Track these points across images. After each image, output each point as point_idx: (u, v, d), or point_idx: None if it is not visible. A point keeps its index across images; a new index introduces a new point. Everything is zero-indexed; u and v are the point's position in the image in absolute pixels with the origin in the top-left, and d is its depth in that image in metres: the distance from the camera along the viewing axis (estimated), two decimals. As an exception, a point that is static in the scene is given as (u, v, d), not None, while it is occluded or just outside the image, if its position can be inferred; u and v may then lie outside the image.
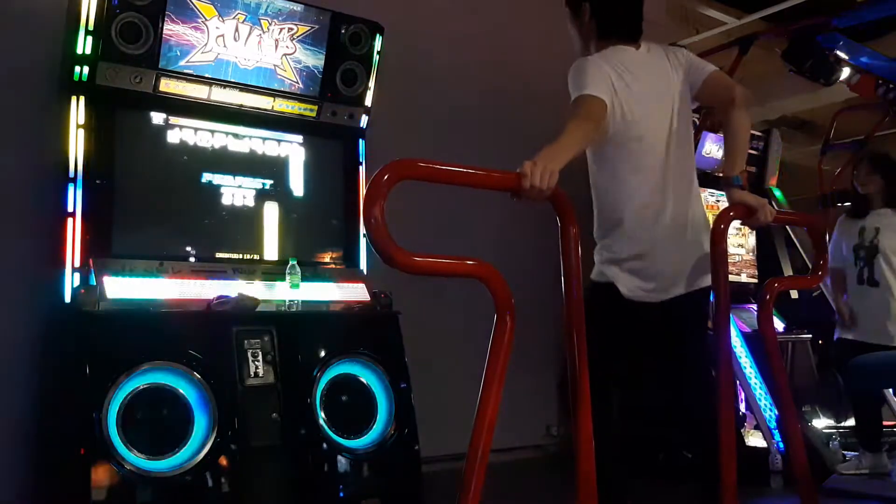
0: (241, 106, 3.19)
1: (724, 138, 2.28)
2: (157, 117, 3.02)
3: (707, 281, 2.15)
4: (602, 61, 2.14)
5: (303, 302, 3.06)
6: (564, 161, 1.81)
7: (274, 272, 3.09)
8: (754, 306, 4.42)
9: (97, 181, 2.81)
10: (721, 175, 2.24)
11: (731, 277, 4.57)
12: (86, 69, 2.81)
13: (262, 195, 3.25)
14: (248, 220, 3.20)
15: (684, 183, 2.20)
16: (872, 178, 3.89)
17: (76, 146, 2.79)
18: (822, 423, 4.12)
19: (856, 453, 3.65)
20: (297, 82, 3.29)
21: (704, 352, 2.22)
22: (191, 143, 3.09)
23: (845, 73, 4.61)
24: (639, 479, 2.37)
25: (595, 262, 2.20)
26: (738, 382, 3.75)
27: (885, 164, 3.91)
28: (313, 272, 3.20)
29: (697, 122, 4.43)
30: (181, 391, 2.63)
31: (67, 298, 2.72)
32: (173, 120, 3.05)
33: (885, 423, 4.17)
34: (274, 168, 3.29)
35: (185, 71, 3.01)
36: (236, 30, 3.11)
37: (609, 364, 2.05)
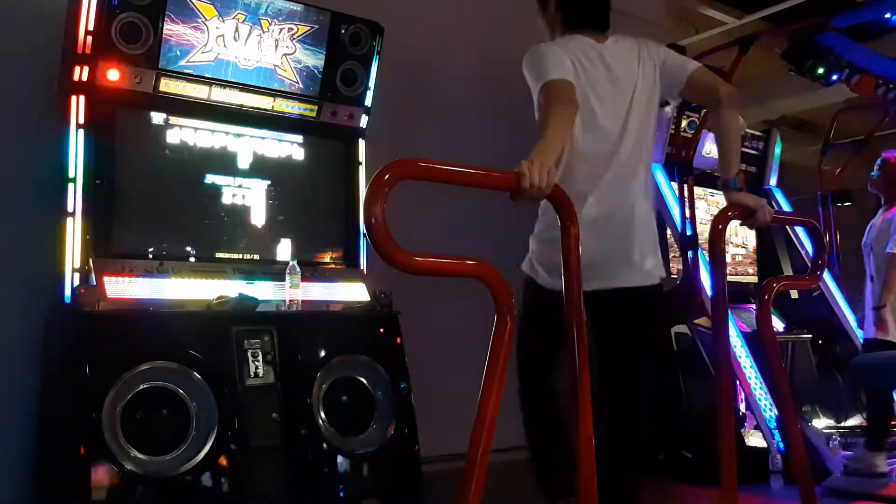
0: (242, 106, 3.19)
1: (717, 141, 2.25)
2: (157, 117, 3.03)
3: (631, 282, 2.10)
4: (556, 47, 2.13)
5: (303, 302, 3.05)
6: (557, 153, 1.80)
7: (274, 272, 3.09)
8: (754, 306, 4.43)
9: (97, 181, 2.81)
10: (718, 178, 2.22)
11: (731, 277, 4.60)
12: (86, 69, 2.80)
13: (262, 195, 3.25)
14: (248, 221, 3.20)
15: (629, 179, 2.14)
16: None
17: (76, 146, 2.79)
18: (822, 423, 4.12)
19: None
20: (297, 82, 3.29)
21: (631, 355, 2.19)
22: (191, 143, 3.09)
23: (845, 73, 4.61)
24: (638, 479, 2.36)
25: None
26: (738, 382, 3.75)
27: None
28: (313, 272, 3.20)
29: (698, 122, 4.43)
30: (181, 391, 2.63)
31: (67, 298, 2.72)
32: (173, 120, 3.05)
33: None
34: (274, 168, 3.29)
35: (185, 71, 3.02)
36: (236, 30, 3.11)
37: (533, 352, 2.14)
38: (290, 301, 3.03)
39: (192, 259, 3.01)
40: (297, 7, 3.23)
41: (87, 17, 2.77)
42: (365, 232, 1.40)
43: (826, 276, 4.63)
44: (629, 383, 2.18)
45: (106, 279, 2.69)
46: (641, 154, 2.19)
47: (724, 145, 2.19)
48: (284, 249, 3.24)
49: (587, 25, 2.21)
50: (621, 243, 2.11)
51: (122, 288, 2.71)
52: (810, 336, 4.49)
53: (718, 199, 4.61)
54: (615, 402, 2.13)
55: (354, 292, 3.25)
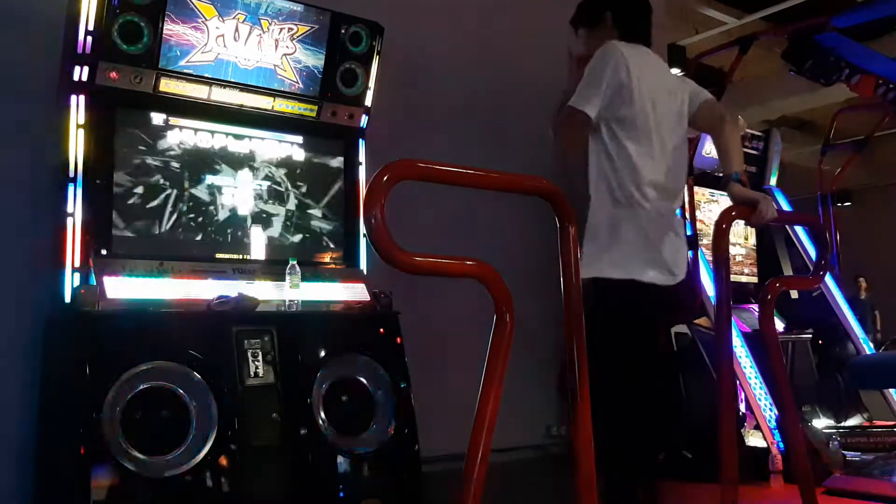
0: (242, 106, 3.19)
1: (718, 144, 2.36)
2: (157, 117, 3.02)
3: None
4: (617, 52, 2.37)
5: (303, 302, 3.05)
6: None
7: (274, 272, 3.09)
8: (754, 306, 4.43)
9: (97, 181, 2.81)
10: (721, 175, 2.26)
11: (731, 277, 4.59)
12: (86, 69, 2.80)
13: (262, 195, 3.25)
14: (248, 221, 3.20)
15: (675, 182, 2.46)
16: None
17: (76, 146, 2.79)
18: (822, 423, 4.12)
19: (856, 453, 3.65)
20: (297, 82, 3.29)
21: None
22: (191, 143, 3.09)
23: (845, 73, 4.61)
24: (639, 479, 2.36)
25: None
26: (738, 382, 3.75)
27: None
28: (313, 272, 3.20)
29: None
30: (181, 391, 2.63)
31: (67, 298, 2.71)
32: (173, 120, 3.05)
33: (885, 423, 4.19)
34: (274, 168, 3.29)
35: (185, 71, 3.02)
36: (236, 30, 3.11)
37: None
38: (290, 301, 3.03)
39: (192, 259, 3.00)
40: (297, 7, 3.23)
41: (87, 17, 2.77)
42: (365, 232, 1.40)
43: (826, 276, 4.63)
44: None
45: (106, 279, 2.69)
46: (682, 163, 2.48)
47: (727, 143, 2.41)
48: (284, 249, 3.24)
49: (639, 39, 2.45)
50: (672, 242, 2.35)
51: (122, 288, 2.71)
52: (810, 336, 4.50)
53: (718, 199, 4.62)
54: (657, 399, 2.21)
55: (354, 292, 3.25)
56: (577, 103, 2.34)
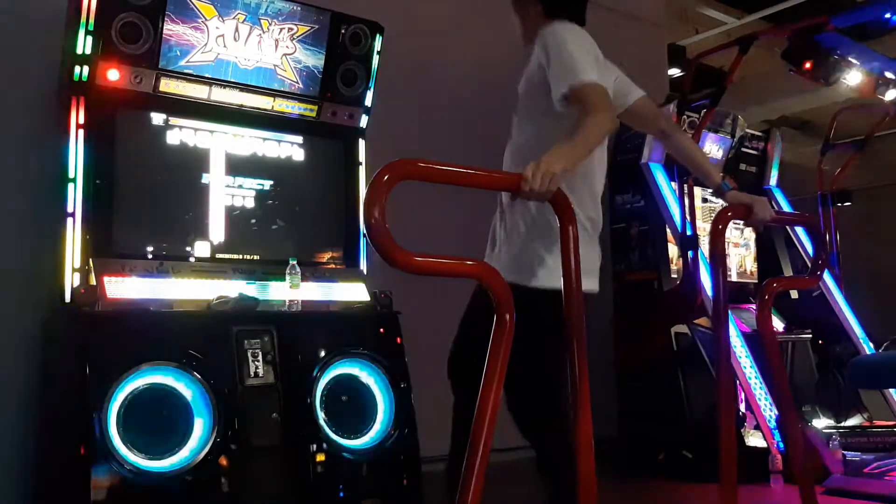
0: (242, 106, 3.19)
1: (684, 161, 2.29)
2: (157, 117, 3.02)
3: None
4: (587, 39, 2.04)
5: (303, 302, 3.06)
6: (576, 163, 1.75)
7: (274, 272, 3.09)
8: (754, 306, 4.44)
9: (97, 181, 2.81)
10: (711, 189, 2.26)
11: (731, 277, 4.60)
12: (86, 69, 2.80)
13: (262, 195, 3.25)
14: (248, 220, 3.20)
15: None
16: None
17: (76, 146, 2.79)
18: (822, 423, 4.12)
19: (857, 453, 3.65)
20: (297, 82, 3.29)
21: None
22: (191, 143, 3.09)
23: (845, 72, 4.61)
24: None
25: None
26: (738, 382, 3.75)
27: None
28: (313, 272, 3.20)
29: (698, 122, 4.43)
30: (181, 391, 2.63)
31: (67, 298, 2.72)
32: (173, 120, 3.05)
33: (885, 423, 4.19)
34: (274, 168, 3.29)
35: (185, 71, 3.02)
36: (236, 30, 3.11)
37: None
38: (290, 301, 3.03)
39: (192, 259, 3.00)
40: (297, 7, 3.23)
41: (87, 17, 2.77)
42: (365, 232, 1.40)
43: (826, 276, 4.63)
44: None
45: (106, 279, 2.69)
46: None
47: (694, 161, 2.25)
48: (284, 249, 3.23)
49: (570, 15, 2.10)
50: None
51: (122, 288, 2.71)
52: (810, 336, 4.50)
53: (718, 199, 4.62)
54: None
55: (354, 292, 3.25)
56: (593, 78, 1.91)
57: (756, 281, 4.84)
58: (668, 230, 4.34)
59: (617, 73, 2.23)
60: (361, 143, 3.48)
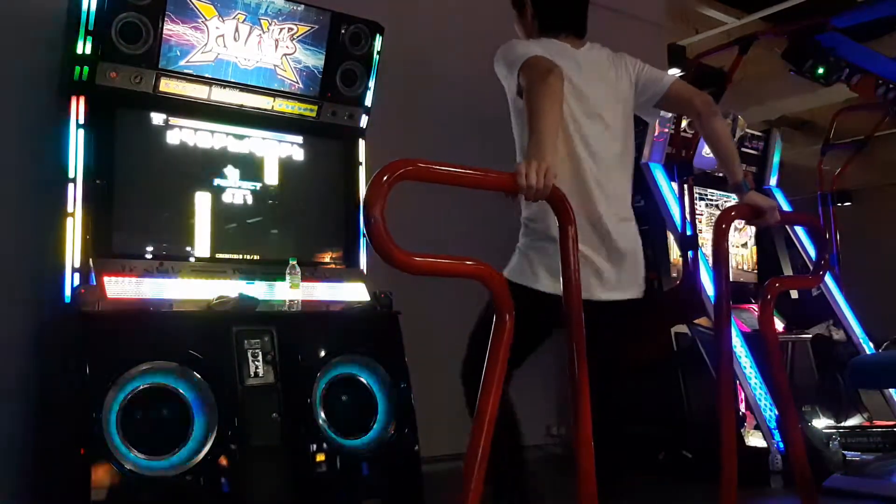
0: (242, 106, 3.19)
1: (712, 150, 2.26)
2: (157, 117, 3.03)
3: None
4: (531, 43, 2.10)
5: (303, 302, 3.05)
6: (554, 143, 1.73)
7: (274, 272, 3.09)
8: (754, 306, 4.44)
9: (97, 181, 2.81)
10: (729, 184, 2.22)
11: (731, 277, 4.59)
12: (86, 69, 2.81)
13: (262, 195, 3.25)
14: (247, 221, 3.20)
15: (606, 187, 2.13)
16: None
17: (76, 146, 2.79)
18: (822, 423, 4.12)
19: (856, 453, 3.65)
20: (297, 82, 3.29)
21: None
22: (191, 143, 3.09)
23: (845, 73, 4.61)
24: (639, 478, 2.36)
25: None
26: (738, 382, 3.75)
27: None
28: (313, 272, 3.20)
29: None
30: (181, 391, 2.63)
31: (67, 298, 2.72)
32: (173, 120, 3.05)
33: (885, 423, 4.19)
34: (274, 168, 3.29)
35: (185, 71, 3.02)
36: (236, 30, 3.11)
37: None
38: (290, 301, 3.03)
39: (192, 259, 3.01)
40: (297, 7, 3.23)
41: (87, 17, 2.77)
42: (365, 232, 1.40)
43: (826, 276, 4.63)
44: None
45: (106, 279, 2.69)
46: (625, 162, 2.18)
47: (722, 152, 2.21)
48: (284, 249, 3.23)
49: (564, 30, 2.17)
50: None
51: (122, 288, 2.71)
52: (810, 336, 4.49)
53: (719, 199, 4.62)
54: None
55: (354, 292, 3.26)
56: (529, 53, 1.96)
57: (756, 281, 4.83)
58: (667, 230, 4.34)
59: (637, 64, 2.25)
60: (361, 143, 3.48)
